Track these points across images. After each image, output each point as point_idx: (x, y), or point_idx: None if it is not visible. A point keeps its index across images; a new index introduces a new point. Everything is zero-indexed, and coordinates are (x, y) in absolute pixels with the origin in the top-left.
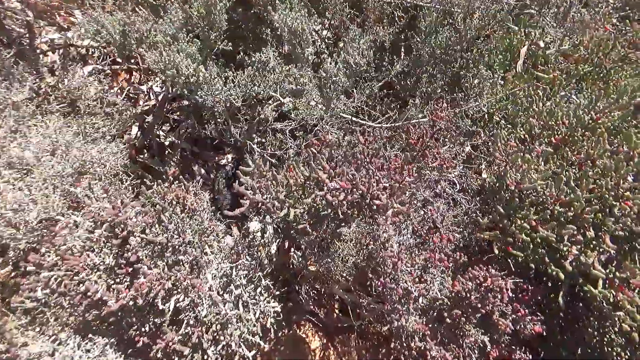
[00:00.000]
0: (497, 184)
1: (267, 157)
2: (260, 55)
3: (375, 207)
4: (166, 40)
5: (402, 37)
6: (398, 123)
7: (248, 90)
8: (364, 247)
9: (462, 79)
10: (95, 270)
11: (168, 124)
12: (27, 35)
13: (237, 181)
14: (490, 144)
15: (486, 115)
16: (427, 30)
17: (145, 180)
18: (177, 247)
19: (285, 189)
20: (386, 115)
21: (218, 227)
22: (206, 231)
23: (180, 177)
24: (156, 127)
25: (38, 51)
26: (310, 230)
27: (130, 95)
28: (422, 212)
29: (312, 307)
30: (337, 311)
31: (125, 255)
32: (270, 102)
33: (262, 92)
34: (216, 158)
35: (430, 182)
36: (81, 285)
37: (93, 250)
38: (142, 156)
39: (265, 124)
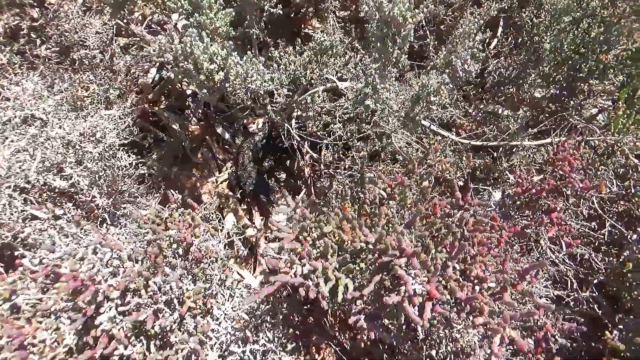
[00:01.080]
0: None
1: (308, 149)
2: (322, 37)
3: (473, 325)
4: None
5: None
6: (493, 143)
7: (298, 76)
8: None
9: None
10: (49, 349)
11: None
12: None
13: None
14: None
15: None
16: (553, 15)
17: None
18: (166, 328)
19: (333, 257)
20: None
21: (232, 273)
22: (213, 293)
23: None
24: None
25: None
26: (365, 326)
27: (154, 25)
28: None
29: (336, 332)
30: (365, 339)
31: (93, 333)
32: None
33: (315, 76)
34: (244, 121)
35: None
36: None
37: (49, 315)
38: (157, 108)
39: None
